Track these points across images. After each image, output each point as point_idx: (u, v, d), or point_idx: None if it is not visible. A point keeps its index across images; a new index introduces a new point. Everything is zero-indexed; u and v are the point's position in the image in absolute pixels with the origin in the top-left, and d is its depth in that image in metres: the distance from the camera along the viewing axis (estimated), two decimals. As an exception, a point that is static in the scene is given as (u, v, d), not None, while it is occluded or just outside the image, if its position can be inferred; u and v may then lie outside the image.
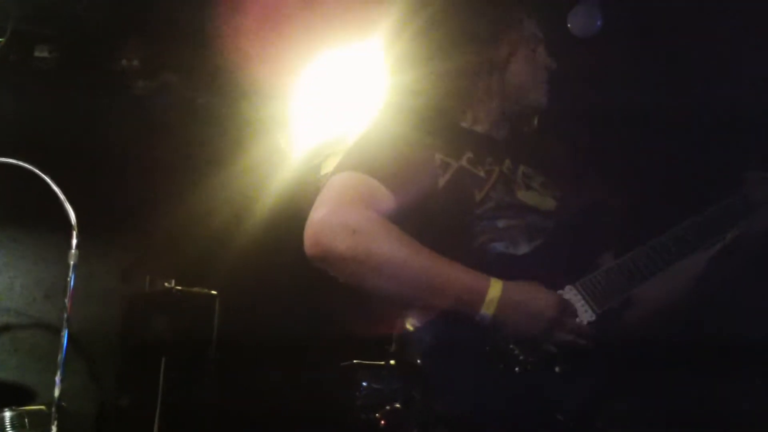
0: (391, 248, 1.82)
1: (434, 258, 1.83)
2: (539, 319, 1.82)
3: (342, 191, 1.90)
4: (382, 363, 4.21)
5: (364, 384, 4.21)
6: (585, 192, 2.12)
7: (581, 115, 2.23)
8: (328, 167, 4.11)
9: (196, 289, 4.75)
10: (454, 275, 1.82)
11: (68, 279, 3.81)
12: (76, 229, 3.81)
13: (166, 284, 4.72)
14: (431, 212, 1.95)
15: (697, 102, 2.78)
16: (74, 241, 3.82)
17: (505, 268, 1.88)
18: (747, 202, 2.01)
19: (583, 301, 1.91)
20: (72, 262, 3.82)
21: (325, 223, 1.83)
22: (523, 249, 1.94)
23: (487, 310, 1.81)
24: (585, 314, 1.91)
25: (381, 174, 1.90)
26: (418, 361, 1.84)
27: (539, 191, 2.05)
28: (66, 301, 3.83)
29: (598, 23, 2.15)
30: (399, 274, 1.82)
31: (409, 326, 1.89)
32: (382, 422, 4.06)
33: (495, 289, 1.81)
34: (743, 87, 2.65)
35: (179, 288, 4.70)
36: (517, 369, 1.83)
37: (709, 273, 2.03)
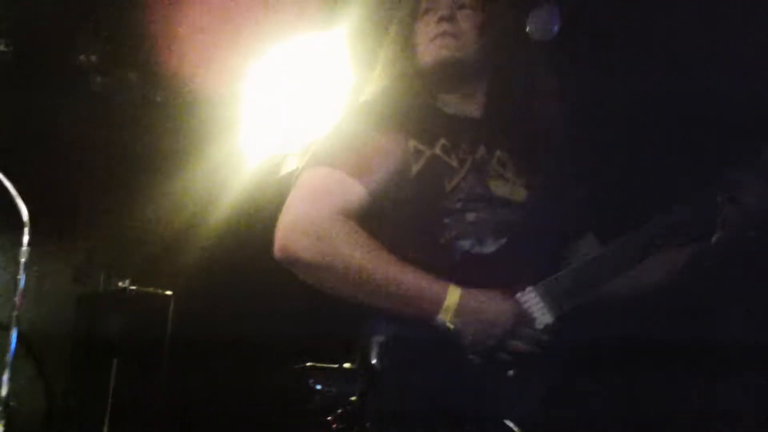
0: (353, 255, 1.88)
1: (394, 264, 1.88)
2: (494, 328, 1.86)
3: (309, 191, 1.95)
4: (336, 366, 4.19)
5: (318, 387, 4.19)
6: (557, 180, 2.13)
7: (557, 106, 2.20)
8: (288, 167, 4.08)
9: (150, 289, 4.70)
10: (412, 282, 1.87)
11: (18, 277, 3.76)
12: (28, 225, 3.75)
13: (120, 284, 4.67)
14: (403, 201, 1.98)
15: (672, 94, 2.79)
16: (26, 238, 3.76)
17: (471, 267, 1.93)
18: (728, 200, 1.94)
19: (542, 303, 1.93)
20: (23, 260, 3.76)
21: (291, 230, 1.90)
22: (490, 247, 1.96)
23: (444, 316, 1.85)
24: (543, 317, 1.92)
25: (347, 165, 1.94)
26: (374, 361, 1.87)
27: (512, 180, 2.04)
28: (16, 299, 3.77)
29: (556, 28, 2.15)
30: (360, 281, 1.88)
31: (368, 327, 1.92)
32: (334, 425, 4.04)
33: (453, 296, 1.85)
34: (723, 80, 2.66)
35: (133, 288, 4.64)
36: (472, 372, 1.87)
37: (691, 270, 2.04)
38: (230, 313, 4.82)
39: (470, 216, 1.97)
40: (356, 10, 2.19)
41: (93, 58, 4.36)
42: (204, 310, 4.85)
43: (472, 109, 2.15)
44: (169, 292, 4.70)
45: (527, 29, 2.04)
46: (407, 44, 2.14)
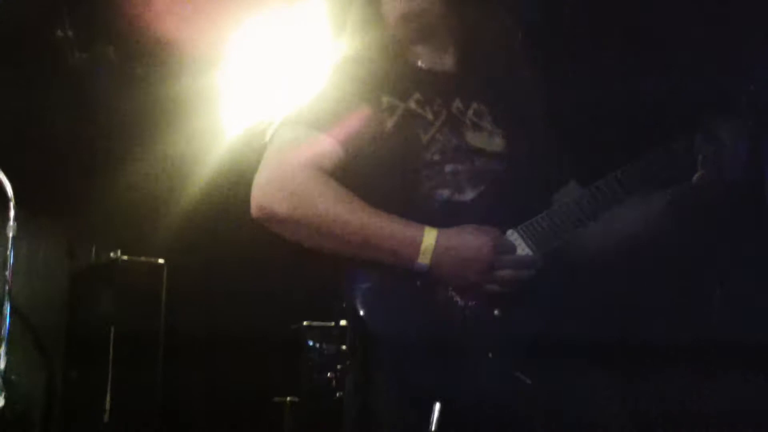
0: (327, 207, 1.88)
1: (370, 213, 1.88)
2: (475, 261, 1.86)
3: (283, 149, 1.94)
4: (332, 323, 4.27)
5: (315, 345, 4.27)
6: (535, 129, 2.13)
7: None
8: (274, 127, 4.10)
9: (143, 259, 4.73)
10: (388, 229, 1.87)
11: (8, 252, 3.80)
12: (13, 200, 3.78)
13: (112, 255, 4.70)
14: (379, 157, 1.97)
15: (652, 39, 2.80)
16: (12, 213, 3.79)
17: (451, 215, 1.92)
18: (704, 141, 1.96)
19: (524, 245, 1.94)
20: (11, 235, 3.79)
21: (266, 187, 1.90)
22: (469, 195, 1.97)
23: (423, 260, 1.85)
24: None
25: (322, 123, 1.93)
26: (361, 313, 1.87)
27: (489, 130, 2.05)
28: (7, 274, 3.81)
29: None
30: (335, 233, 1.88)
31: (353, 279, 1.92)
32: (334, 382, 4.13)
33: (429, 238, 1.85)
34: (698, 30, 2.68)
35: (125, 258, 4.68)
36: (457, 315, 1.87)
37: (670, 216, 2.03)
38: (222, 277, 4.88)
39: (448, 167, 1.97)
40: None
41: (70, 33, 4.33)
42: (197, 275, 4.90)
43: (446, 62, 2.15)
44: (161, 260, 4.74)
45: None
46: (372, 1, 2.13)
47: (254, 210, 1.91)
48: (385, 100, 2.00)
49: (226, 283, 4.84)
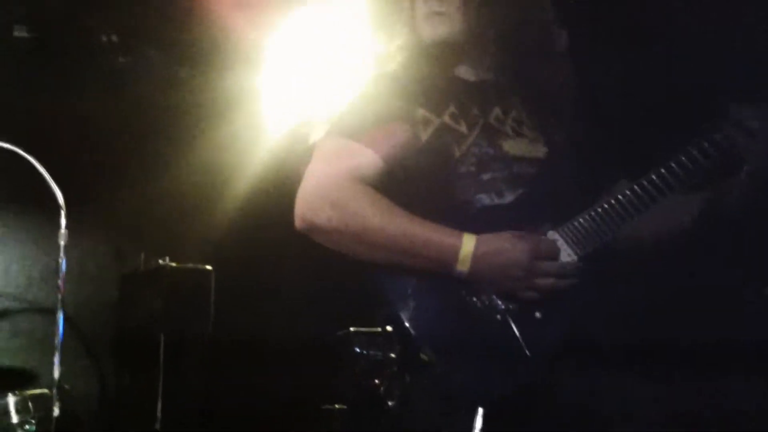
0: (369, 217, 1.93)
1: (410, 221, 1.93)
2: (515, 267, 1.88)
3: (324, 160, 2.01)
4: (378, 329, 4.20)
5: (362, 352, 4.22)
6: (577, 131, 2.13)
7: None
8: (316, 135, 4.07)
9: (190, 265, 4.73)
10: (428, 237, 1.91)
11: (59, 260, 3.81)
12: (64, 209, 3.80)
13: (160, 261, 4.70)
14: (416, 168, 2.02)
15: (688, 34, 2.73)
16: (63, 222, 3.81)
17: (491, 219, 1.95)
18: (740, 135, 1.91)
19: (565, 246, 1.96)
20: (62, 243, 3.81)
21: (308, 198, 1.97)
22: (508, 198, 1.99)
23: (463, 266, 1.88)
24: (567, 258, 1.95)
25: (361, 135, 1.99)
26: (404, 319, 1.90)
27: (530, 137, 2.07)
28: (59, 282, 3.82)
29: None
30: (377, 242, 1.93)
31: (395, 286, 1.95)
32: (381, 388, 4.07)
33: (468, 244, 1.88)
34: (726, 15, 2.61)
35: (174, 264, 4.67)
36: (498, 317, 1.89)
37: (707, 213, 2.03)
38: (270, 282, 4.86)
39: (485, 176, 2.00)
40: None
41: (114, 37, 4.37)
42: (244, 280, 4.89)
43: (484, 70, 2.16)
44: (209, 267, 4.73)
45: None
46: (410, 20, 2.15)
47: (298, 221, 1.98)
48: (421, 113, 2.03)
49: (272, 288, 4.82)
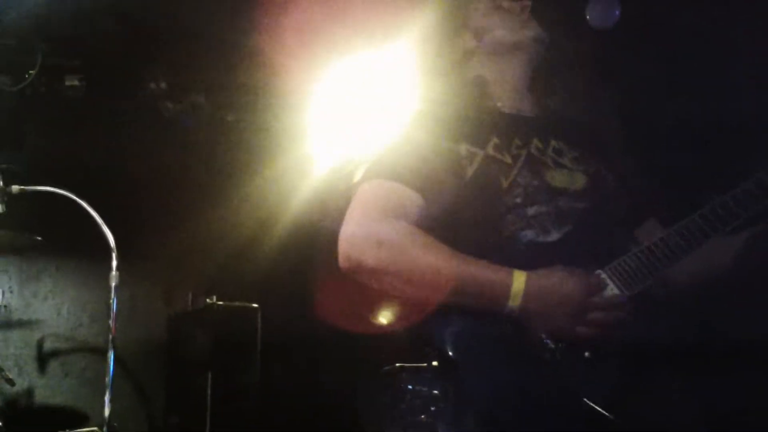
0: (416, 256, 1.89)
1: (459, 260, 1.88)
2: (565, 304, 1.84)
3: (368, 202, 1.97)
4: (425, 365, 4.21)
5: (409, 387, 4.21)
6: (615, 164, 2.11)
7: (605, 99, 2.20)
8: (359, 175, 4.12)
9: (237, 304, 4.77)
10: (477, 274, 1.86)
11: (110, 301, 3.88)
12: (115, 251, 3.87)
13: (208, 300, 4.76)
14: (461, 204, 1.99)
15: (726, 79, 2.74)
16: (114, 263, 3.87)
17: (536, 256, 1.91)
18: None
19: (612, 285, 1.91)
20: (113, 284, 3.87)
21: (353, 238, 1.92)
22: (554, 235, 1.96)
23: (513, 303, 1.84)
24: None
25: (406, 177, 1.95)
26: (452, 356, 1.86)
27: (570, 167, 2.05)
28: (110, 323, 3.89)
29: (617, 12, 2.13)
30: (424, 281, 1.89)
31: (442, 323, 1.91)
32: (428, 424, 4.06)
33: (518, 281, 1.84)
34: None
35: (221, 303, 4.73)
36: (547, 356, 1.84)
37: (748, 252, 2.00)
38: (312, 319, 4.88)
39: (531, 210, 1.97)
40: (425, 20, 2.21)
41: (162, 85, 4.46)
42: (289, 318, 4.91)
43: (523, 102, 2.16)
44: (255, 305, 4.78)
45: (587, 17, 2.03)
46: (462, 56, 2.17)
47: (342, 262, 1.92)
48: (464, 148, 2.01)
49: (318, 325, 4.85)
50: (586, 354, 1.85)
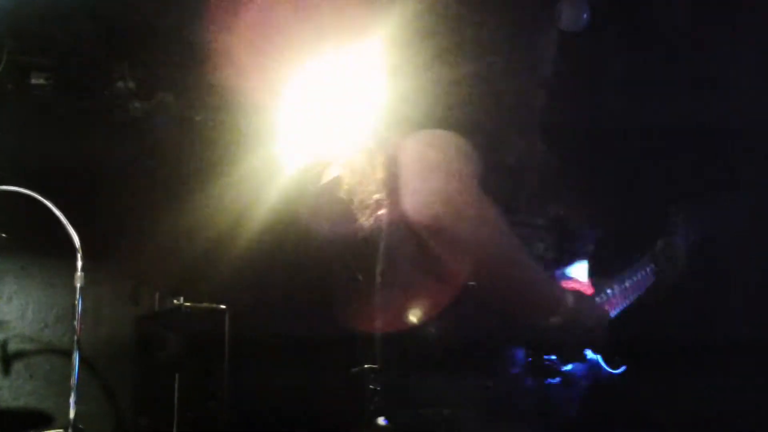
0: (505, 234, 1.82)
1: (529, 257, 1.89)
2: (593, 331, 1.93)
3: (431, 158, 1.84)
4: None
5: (377, 389, 4.20)
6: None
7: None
8: (329, 175, 4.11)
9: (205, 305, 4.75)
10: (543, 279, 1.91)
11: (76, 302, 3.84)
12: (80, 251, 3.84)
13: (175, 302, 4.73)
14: None
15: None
16: (79, 264, 3.85)
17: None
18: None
19: None
20: (78, 285, 3.85)
21: (440, 199, 1.76)
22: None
23: (558, 318, 1.85)
24: None
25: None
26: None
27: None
28: (75, 323, 3.85)
29: (585, 15, 2.14)
30: (492, 257, 1.80)
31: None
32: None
33: (569, 299, 1.87)
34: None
35: (188, 304, 4.70)
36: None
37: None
38: (282, 321, 4.87)
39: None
40: (394, 19, 2.17)
41: (130, 84, 4.44)
42: (257, 319, 4.90)
43: None
44: (222, 306, 4.76)
45: (557, 19, 2.04)
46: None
47: (426, 219, 1.74)
48: None
49: (286, 325, 4.83)
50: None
